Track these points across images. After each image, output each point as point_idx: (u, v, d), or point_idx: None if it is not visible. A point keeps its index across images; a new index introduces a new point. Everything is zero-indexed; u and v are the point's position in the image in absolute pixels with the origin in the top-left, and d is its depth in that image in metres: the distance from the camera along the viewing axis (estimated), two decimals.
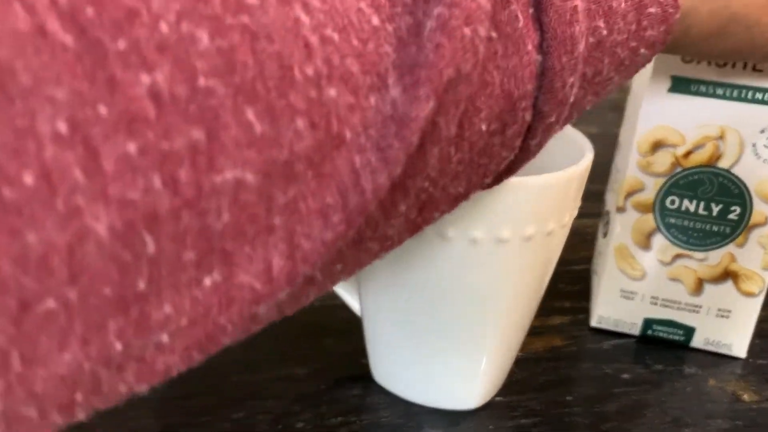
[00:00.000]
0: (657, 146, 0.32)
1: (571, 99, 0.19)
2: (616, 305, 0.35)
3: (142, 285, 0.12)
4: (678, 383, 0.32)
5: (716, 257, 0.33)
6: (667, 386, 0.32)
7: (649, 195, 0.33)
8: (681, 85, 0.31)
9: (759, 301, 0.33)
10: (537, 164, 0.30)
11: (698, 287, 0.34)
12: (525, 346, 0.34)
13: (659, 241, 0.33)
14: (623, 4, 0.19)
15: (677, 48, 0.24)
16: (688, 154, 0.31)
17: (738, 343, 0.34)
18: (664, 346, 0.35)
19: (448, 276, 0.26)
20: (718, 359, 0.34)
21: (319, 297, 0.37)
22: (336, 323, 0.35)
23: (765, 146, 0.30)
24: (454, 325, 0.27)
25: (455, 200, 0.19)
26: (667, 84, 0.31)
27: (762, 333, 0.36)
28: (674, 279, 0.34)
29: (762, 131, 0.30)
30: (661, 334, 0.35)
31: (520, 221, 0.24)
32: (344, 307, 0.36)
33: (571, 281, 0.39)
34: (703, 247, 0.33)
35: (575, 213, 0.27)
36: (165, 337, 0.13)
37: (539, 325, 0.36)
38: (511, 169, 0.21)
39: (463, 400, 0.29)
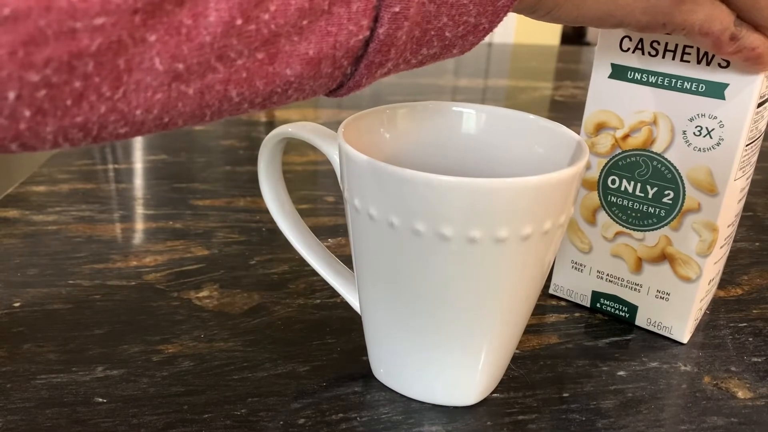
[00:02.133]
0: (600, 128, 0.34)
1: None
2: (569, 275, 0.38)
3: None
4: (674, 380, 0.32)
5: (653, 238, 0.35)
6: (663, 383, 0.32)
7: (594, 173, 0.35)
8: (619, 72, 0.33)
9: (696, 287, 0.34)
10: (535, 165, 0.31)
11: (638, 266, 0.36)
12: (522, 343, 0.34)
13: (603, 218, 0.36)
14: None
15: (546, 6, 0.25)
16: (626, 137, 0.34)
17: (678, 326, 0.35)
18: (659, 344, 0.35)
19: (446, 275, 0.26)
20: (714, 357, 0.34)
21: (320, 296, 0.38)
22: (336, 321, 0.36)
23: (694, 134, 0.32)
24: (452, 323, 0.27)
25: (308, 64, 0.20)
26: (608, 71, 0.33)
27: (755, 331, 0.37)
28: (616, 256, 0.36)
29: (691, 120, 0.32)
30: (608, 309, 0.37)
31: (517, 221, 0.25)
32: (344, 306, 0.37)
33: None
34: (640, 227, 0.35)
35: (572, 212, 0.27)
36: None
37: (536, 323, 0.36)
38: (368, 59, 0.22)
39: (461, 396, 0.30)
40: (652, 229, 0.34)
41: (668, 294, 0.35)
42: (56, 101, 0.17)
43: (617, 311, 0.37)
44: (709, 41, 0.28)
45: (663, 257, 0.35)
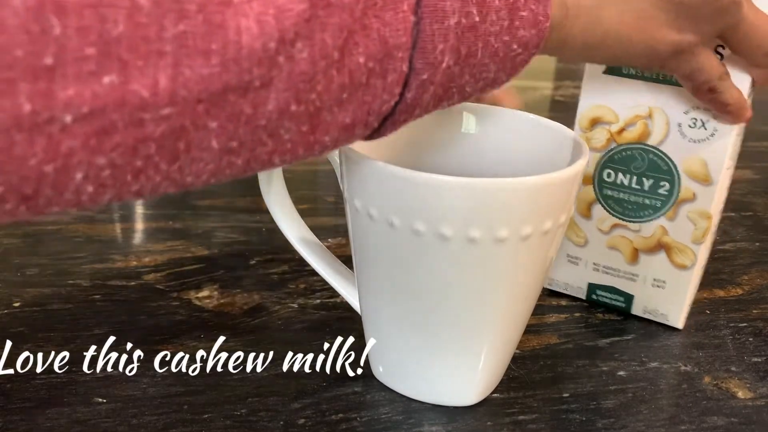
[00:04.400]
0: (595, 123, 0.35)
1: (444, 65, 0.22)
2: (564, 269, 0.38)
3: (49, 60, 0.15)
4: (674, 380, 0.32)
5: (649, 229, 0.35)
6: (663, 383, 0.32)
7: (589, 168, 0.36)
8: (614, 68, 0.34)
9: (691, 274, 0.35)
10: (535, 165, 0.31)
11: (634, 257, 0.36)
12: (522, 343, 0.34)
13: (598, 211, 0.36)
14: (496, 2, 0.22)
15: (560, 54, 0.27)
16: (621, 131, 0.34)
17: (674, 313, 0.36)
18: (659, 344, 0.35)
19: (446, 275, 0.26)
20: (714, 357, 0.34)
21: (320, 296, 0.38)
22: (336, 321, 0.36)
23: (690, 126, 0.33)
24: (452, 323, 0.27)
25: (344, 130, 0.22)
26: (602, 66, 0.34)
27: (756, 331, 0.37)
28: (613, 248, 0.36)
29: (686, 112, 0.33)
30: (604, 300, 0.38)
31: (517, 221, 0.25)
32: (344, 306, 0.37)
33: None
34: (636, 218, 0.35)
35: (572, 212, 0.27)
36: (68, 118, 0.16)
37: (536, 323, 0.36)
38: (394, 118, 0.23)
39: (461, 396, 0.30)
40: (648, 220, 0.35)
41: (664, 282, 0.36)
42: (117, 178, 0.18)
43: (613, 301, 0.37)
44: (689, 85, 0.30)
45: (659, 247, 0.35)
